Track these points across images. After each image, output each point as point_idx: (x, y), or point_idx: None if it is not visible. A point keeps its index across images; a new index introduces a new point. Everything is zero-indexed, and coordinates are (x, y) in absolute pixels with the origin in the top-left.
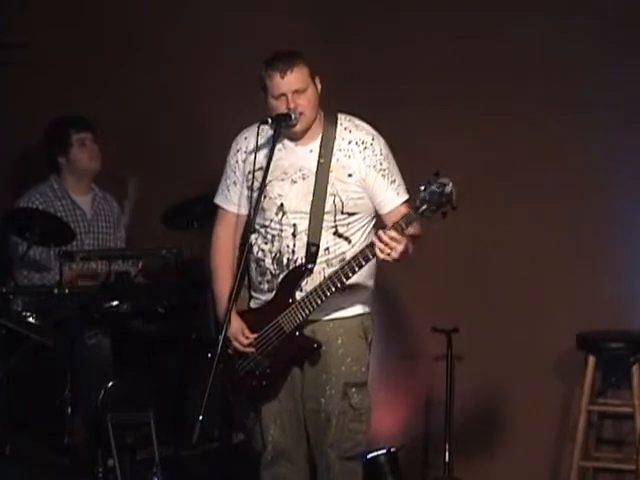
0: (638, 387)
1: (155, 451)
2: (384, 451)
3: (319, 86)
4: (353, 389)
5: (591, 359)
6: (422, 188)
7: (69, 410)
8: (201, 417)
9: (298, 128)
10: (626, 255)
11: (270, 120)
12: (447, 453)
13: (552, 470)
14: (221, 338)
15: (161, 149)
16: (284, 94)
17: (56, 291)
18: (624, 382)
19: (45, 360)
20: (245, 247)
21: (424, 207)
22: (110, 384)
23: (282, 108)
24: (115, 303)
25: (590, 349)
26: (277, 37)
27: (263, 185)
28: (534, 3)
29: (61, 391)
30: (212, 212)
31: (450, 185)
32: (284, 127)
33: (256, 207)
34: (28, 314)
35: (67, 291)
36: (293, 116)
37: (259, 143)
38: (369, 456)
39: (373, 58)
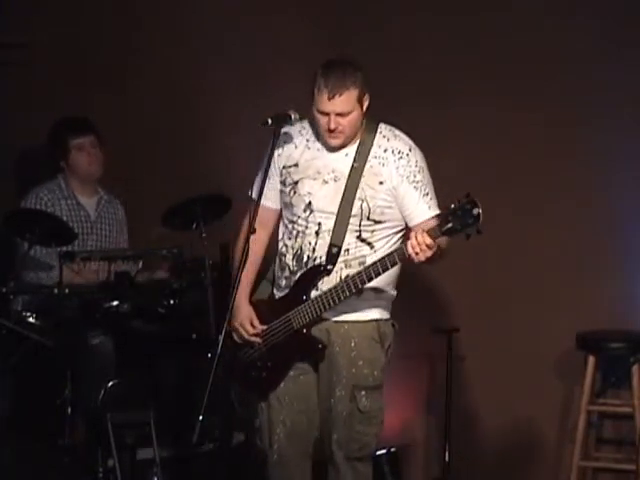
0: (638, 387)
1: (155, 451)
2: (384, 451)
3: (366, 104)
4: (362, 392)
5: (591, 359)
6: (450, 207)
7: (69, 410)
8: (201, 417)
9: (334, 143)
10: (626, 255)
11: (270, 121)
12: (447, 453)
13: (552, 470)
14: (221, 338)
15: (161, 149)
16: (328, 113)
17: (56, 291)
18: (624, 382)
19: (45, 360)
20: (245, 245)
21: (449, 226)
22: (110, 384)
23: (323, 123)
24: (115, 303)
25: (590, 349)
26: (277, 37)
27: (264, 181)
28: (534, 3)
29: (61, 391)
30: (212, 212)
31: (478, 208)
32: (291, 124)
33: (257, 206)
34: (28, 314)
35: (67, 291)
36: (293, 117)
37: (297, 141)
38: None
39: (374, 59)
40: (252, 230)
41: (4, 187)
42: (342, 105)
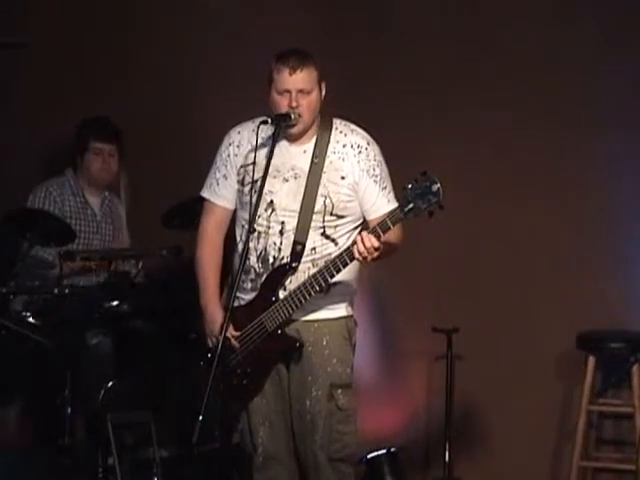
0: (638, 387)
1: (155, 451)
2: (384, 451)
3: (324, 91)
4: (339, 390)
5: (591, 359)
6: (409, 187)
7: (69, 410)
8: (201, 417)
9: (295, 130)
10: (626, 255)
11: (270, 120)
12: (447, 453)
13: (552, 470)
14: (221, 338)
15: (161, 149)
16: (289, 91)
17: (56, 291)
18: (624, 382)
19: (45, 360)
20: (246, 245)
21: (411, 206)
22: (110, 384)
23: (283, 104)
24: (115, 303)
25: (590, 349)
26: (277, 37)
27: (263, 183)
28: (534, 4)
29: (61, 391)
30: None
31: (437, 184)
32: (284, 127)
33: (257, 205)
34: (28, 314)
35: (67, 291)
36: (293, 116)
37: (253, 141)
38: (369, 456)
39: (374, 59)
40: (252, 230)
41: (4, 187)
42: (304, 81)
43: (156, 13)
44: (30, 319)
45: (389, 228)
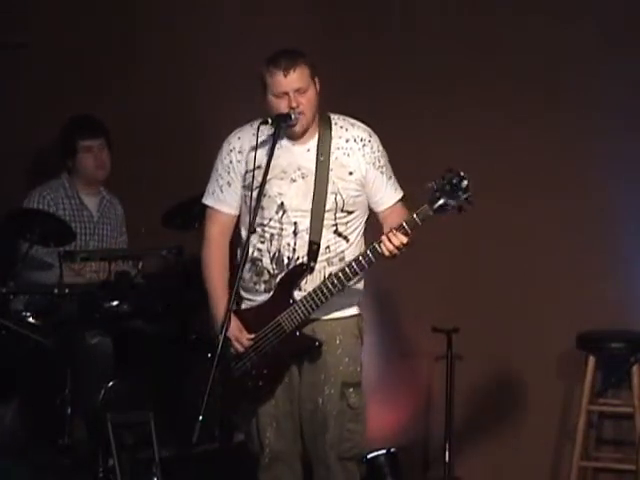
0: (638, 387)
1: (155, 451)
2: (384, 451)
3: (318, 86)
4: (350, 389)
5: (591, 359)
6: (435, 183)
7: (69, 410)
8: (201, 417)
9: (298, 128)
10: (626, 255)
11: (270, 120)
12: (447, 453)
13: (552, 470)
14: (221, 338)
15: (161, 149)
16: (286, 93)
17: (56, 291)
18: (624, 382)
19: (45, 360)
20: (245, 247)
21: (440, 202)
22: (110, 384)
23: (283, 106)
24: (115, 303)
25: (590, 349)
26: (277, 37)
27: (263, 184)
28: (534, 4)
29: (61, 391)
30: None
31: (467, 180)
32: (284, 127)
33: (257, 207)
34: (28, 314)
35: (67, 291)
36: (293, 116)
37: (254, 144)
38: (369, 456)
39: (374, 59)
40: (252, 230)
41: (4, 187)
42: (299, 80)
43: (156, 13)
44: (30, 319)
45: (417, 225)
